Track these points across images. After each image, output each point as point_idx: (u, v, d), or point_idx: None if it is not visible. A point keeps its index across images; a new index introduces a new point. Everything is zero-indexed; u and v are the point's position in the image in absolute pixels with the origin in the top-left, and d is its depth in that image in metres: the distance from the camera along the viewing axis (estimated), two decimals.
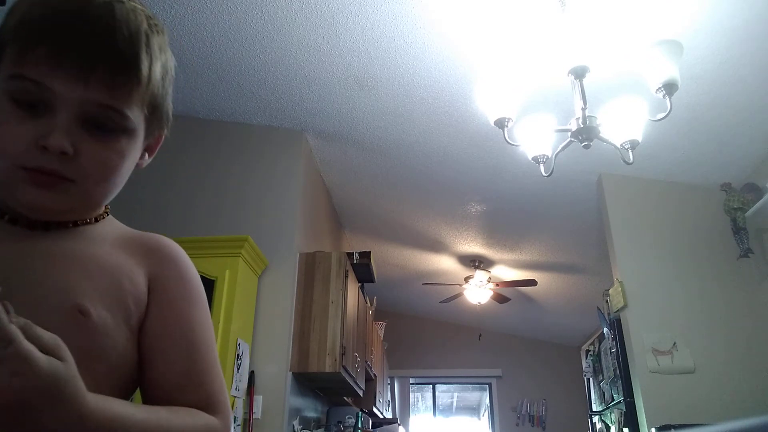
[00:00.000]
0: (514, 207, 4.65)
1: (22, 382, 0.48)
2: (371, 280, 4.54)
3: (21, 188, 0.62)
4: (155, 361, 0.68)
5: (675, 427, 3.05)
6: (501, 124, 2.35)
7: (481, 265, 5.90)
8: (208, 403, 0.68)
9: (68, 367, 0.52)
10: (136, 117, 0.65)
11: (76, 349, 0.55)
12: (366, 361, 4.69)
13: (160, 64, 0.66)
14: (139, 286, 0.69)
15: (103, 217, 0.74)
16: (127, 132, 0.65)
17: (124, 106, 0.63)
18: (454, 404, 8.53)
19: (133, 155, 0.68)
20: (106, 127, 0.63)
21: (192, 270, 0.76)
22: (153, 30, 0.66)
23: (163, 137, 0.76)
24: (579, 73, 2.28)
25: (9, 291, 0.54)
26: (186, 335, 0.71)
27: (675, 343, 3.42)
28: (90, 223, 0.71)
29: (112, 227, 0.75)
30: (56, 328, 0.54)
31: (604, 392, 4.61)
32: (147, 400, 0.69)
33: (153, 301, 0.70)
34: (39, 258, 0.64)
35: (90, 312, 0.62)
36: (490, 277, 5.99)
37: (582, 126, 2.31)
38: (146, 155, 0.74)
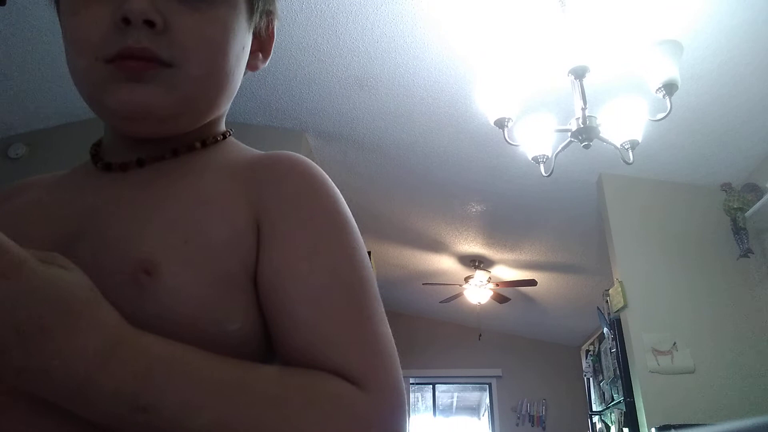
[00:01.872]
0: (514, 207, 4.65)
1: (11, 286, 0.36)
2: None
3: (108, 89, 0.49)
4: (276, 320, 0.48)
5: (675, 427, 3.05)
6: (501, 124, 2.35)
7: (481, 265, 5.90)
8: (353, 373, 0.46)
9: (80, 276, 0.41)
10: None
11: (142, 321, 0.42)
12: None
13: None
14: (237, 224, 0.50)
15: (216, 142, 0.58)
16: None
17: None
18: (454, 404, 8.53)
19: (241, 34, 0.55)
20: None
21: (322, 187, 0.55)
22: None
23: (275, 32, 0.64)
24: (579, 73, 2.28)
25: (72, 247, 0.46)
26: (312, 277, 0.49)
27: (675, 343, 3.42)
28: (196, 149, 0.56)
29: (227, 152, 0.58)
30: (114, 293, 0.43)
31: (604, 392, 4.61)
32: None
33: (263, 238, 0.50)
34: (110, 202, 0.51)
35: (158, 268, 0.45)
36: (490, 277, 5.99)
37: (582, 126, 2.31)
38: (260, 55, 0.63)
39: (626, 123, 2.34)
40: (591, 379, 5.11)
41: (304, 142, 3.93)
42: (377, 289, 0.54)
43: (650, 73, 2.16)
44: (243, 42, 0.56)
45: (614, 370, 4.10)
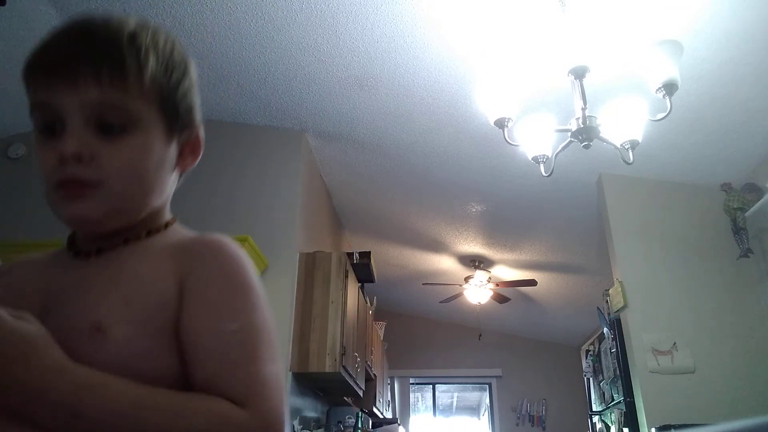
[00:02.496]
0: (514, 207, 4.65)
1: None
2: (371, 280, 4.55)
3: (59, 206, 0.66)
4: (189, 359, 0.66)
5: (675, 427, 3.05)
6: (501, 124, 2.35)
7: (481, 265, 5.90)
8: (238, 397, 0.63)
9: (38, 328, 0.59)
10: (141, 110, 0.67)
11: (99, 363, 0.60)
12: (366, 361, 4.69)
13: (156, 57, 0.68)
14: (166, 292, 0.67)
15: (159, 230, 0.74)
16: (137, 125, 0.67)
17: (121, 100, 0.65)
18: (454, 404, 8.53)
19: (158, 151, 0.69)
20: (115, 125, 0.65)
21: (230, 261, 0.70)
22: (143, 30, 0.68)
23: (201, 138, 0.77)
24: (579, 73, 2.28)
25: (44, 315, 0.63)
26: (213, 332, 0.66)
27: (675, 343, 3.42)
28: (141, 238, 0.72)
29: (168, 238, 0.74)
30: (76, 346, 0.61)
31: (604, 392, 4.61)
32: None
33: (183, 301, 0.67)
34: (74, 281, 0.68)
35: (107, 327, 0.62)
36: (490, 277, 5.99)
37: (582, 126, 2.31)
38: (189, 158, 0.76)
39: (626, 123, 2.34)
40: (591, 379, 5.11)
41: (304, 142, 3.93)
42: (271, 337, 0.70)
43: (650, 73, 2.16)
44: (162, 154, 0.70)
45: (614, 370, 4.10)
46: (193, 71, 0.75)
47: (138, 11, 2.89)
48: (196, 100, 0.76)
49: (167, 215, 0.77)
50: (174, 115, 0.71)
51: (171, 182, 0.75)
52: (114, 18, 0.67)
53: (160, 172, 0.70)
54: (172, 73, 0.70)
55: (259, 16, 2.86)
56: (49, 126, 0.65)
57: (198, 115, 0.76)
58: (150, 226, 0.73)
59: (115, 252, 0.71)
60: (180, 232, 0.76)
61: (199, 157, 0.78)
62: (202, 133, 0.77)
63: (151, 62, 0.67)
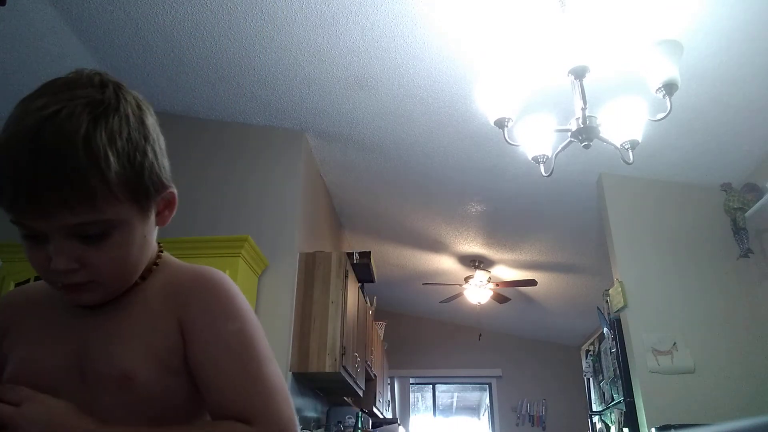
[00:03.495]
0: (514, 207, 4.65)
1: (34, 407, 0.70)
2: (371, 280, 4.54)
3: (62, 294, 0.73)
4: (201, 387, 0.76)
5: (675, 427, 3.05)
6: (501, 124, 2.35)
7: (481, 265, 5.90)
8: (245, 415, 0.72)
9: (65, 403, 0.71)
10: (117, 213, 0.69)
11: (128, 405, 0.72)
12: (366, 361, 4.69)
13: (116, 155, 0.65)
14: (171, 335, 0.76)
15: (150, 270, 0.81)
16: (116, 227, 0.70)
17: (94, 215, 0.66)
18: (454, 404, 8.53)
19: (139, 234, 0.74)
20: (94, 235, 0.69)
21: (221, 292, 0.79)
22: (96, 126, 0.65)
23: (174, 194, 0.78)
24: (579, 73, 2.28)
25: (78, 361, 0.74)
26: (219, 357, 0.75)
27: (675, 343, 3.42)
28: (138, 284, 0.79)
29: (161, 276, 0.81)
30: (110, 393, 0.72)
31: (604, 392, 4.61)
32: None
33: (187, 339, 0.76)
34: (94, 332, 0.76)
35: (134, 375, 0.72)
36: (490, 277, 5.99)
37: (582, 126, 2.31)
38: (166, 212, 0.79)
39: (626, 123, 2.34)
40: (591, 379, 5.11)
41: (304, 142, 3.92)
42: (269, 353, 0.78)
43: (650, 73, 2.16)
44: (143, 233, 0.75)
45: (614, 370, 4.10)
46: (153, 129, 0.73)
47: (138, 11, 2.89)
48: (164, 162, 0.75)
49: (155, 250, 0.83)
50: (146, 195, 0.72)
51: (154, 238, 0.81)
52: (62, 116, 0.63)
53: (143, 248, 0.76)
54: (135, 159, 0.68)
55: (259, 16, 2.86)
56: (33, 235, 0.69)
57: (168, 174, 0.76)
58: (143, 274, 0.80)
59: (118, 302, 0.78)
60: (170, 264, 0.83)
61: (176, 209, 0.80)
62: (174, 189, 0.78)
63: (113, 164, 0.65)
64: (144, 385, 0.72)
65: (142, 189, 0.70)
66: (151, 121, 0.74)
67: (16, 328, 0.80)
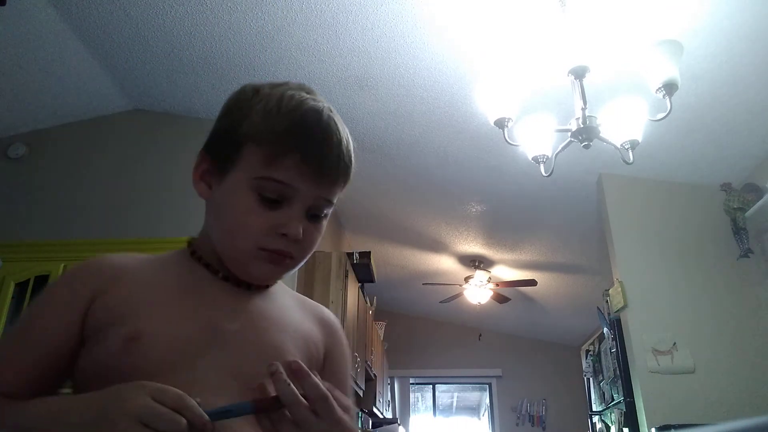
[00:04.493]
0: (514, 207, 4.65)
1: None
2: (371, 280, 4.55)
3: (256, 264, 0.74)
4: None
5: (675, 427, 3.05)
6: (501, 124, 2.35)
7: (481, 265, 5.90)
8: None
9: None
10: (335, 202, 0.79)
11: None
12: (366, 361, 4.69)
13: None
14: (320, 354, 0.82)
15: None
16: (328, 216, 0.79)
17: (335, 198, 0.78)
18: (454, 404, 8.53)
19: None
20: (319, 214, 0.77)
21: (347, 345, 0.90)
22: (345, 128, 0.80)
23: None
24: (579, 73, 2.28)
25: (242, 342, 0.72)
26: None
27: (675, 343, 3.42)
28: (272, 284, 0.83)
29: (284, 289, 0.88)
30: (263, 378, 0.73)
31: (604, 392, 4.61)
32: None
33: (323, 369, 0.81)
34: (256, 317, 0.77)
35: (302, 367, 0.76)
36: (490, 277, 5.99)
37: (582, 126, 2.31)
38: None
39: (626, 123, 2.34)
40: (591, 379, 5.11)
41: None
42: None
43: (650, 73, 2.16)
44: None
45: (614, 370, 4.10)
46: None
47: (138, 11, 2.89)
48: None
49: None
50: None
51: None
52: (338, 118, 0.79)
53: None
54: None
55: (259, 16, 2.86)
56: (274, 199, 0.73)
57: None
58: None
59: (261, 292, 0.80)
60: (284, 286, 0.90)
61: None
62: None
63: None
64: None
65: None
66: None
67: (126, 295, 0.73)
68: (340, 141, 0.76)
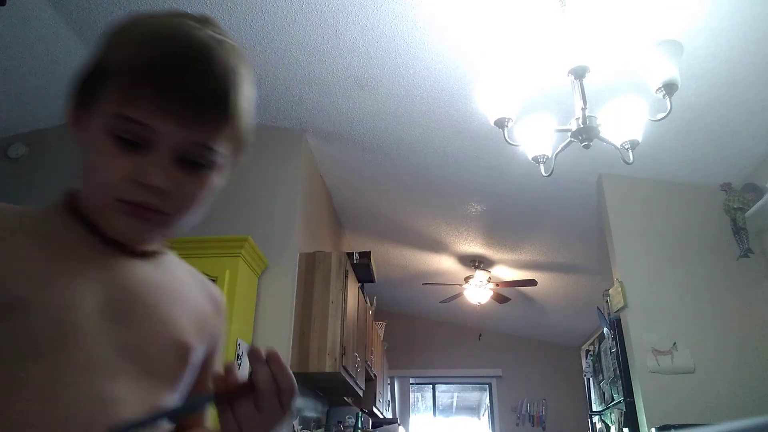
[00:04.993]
0: (514, 207, 4.65)
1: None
2: (371, 280, 4.54)
3: (118, 218, 0.64)
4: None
5: (675, 427, 3.05)
6: (501, 124, 2.35)
7: (481, 265, 5.90)
8: None
9: None
10: (225, 152, 0.67)
11: (180, 379, 0.68)
12: (366, 361, 4.69)
13: (247, 99, 0.68)
14: (209, 332, 0.76)
15: (169, 246, 0.78)
16: (216, 167, 0.67)
17: (216, 143, 0.65)
18: (454, 404, 8.53)
19: (217, 185, 0.70)
20: (198, 163, 0.65)
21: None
22: (240, 64, 0.67)
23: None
24: (579, 73, 2.28)
25: (129, 315, 0.64)
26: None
27: (675, 343, 3.42)
28: (163, 252, 0.75)
29: (176, 258, 0.80)
30: (172, 361, 0.67)
31: (604, 392, 4.61)
32: None
33: (212, 353, 0.78)
34: (146, 287, 0.68)
35: (194, 349, 0.70)
36: (490, 277, 5.99)
37: (582, 126, 2.31)
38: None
39: (626, 123, 2.34)
40: (591, 379, 5.11)
41: (304, 142, 3.92)
42: None
43: (650, 73, 2.16)
44: (219, 186, 0.71)
45: (614, 370, 4.10)
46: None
47: (139, 11, 2.88)
48: None
49: None
50: (242, 149, 0.72)
51: None
52: (230, 46, 0.66)
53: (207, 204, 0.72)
54: (251, 119, 0.70)
55: (259, 16, 2.86)
56: (132, 141, 0.62)
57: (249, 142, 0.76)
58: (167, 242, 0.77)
59: (151, 260, 0.72)
60: (175, 255, 0.81)
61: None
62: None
63: (245, 106, 0.67)
64: (194, 364, 0.71)
65: (245, 141, 0.70)
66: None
67: (11, 260, 0.61)
68: (218, 75, 0.63)
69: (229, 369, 0.63)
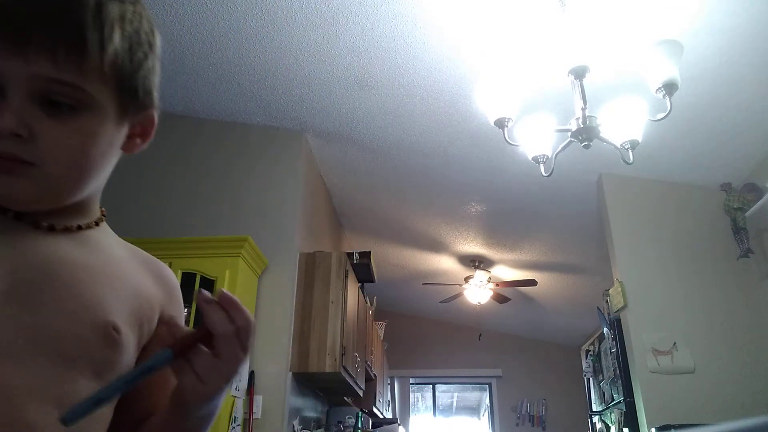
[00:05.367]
0: (514, 207, 4.65)
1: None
2: (371, 280, 4.54)
3: None
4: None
5: (675, 427, 3.05)
6: (501, 124, 2.35)
7: (481, 265, 5.90)
8: None
9: None
10: (98, 92, 0.59)
11: (107, 363, 0.62)
12: (366, 361, 4.69)
13: (121, 33, 0.60)
14: (154, 313, 0.71)
15: (102, 221, 0.72)
16: (90, 109, 0.59)
17: (77, 79, 0.57)
18: (454, 404, 8.53)
19: (107, 136, 0.62)
20: (63, 104, 0.58)
21: (183, 307, 0.80)
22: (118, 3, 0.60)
23: (155, 118, 0.70)
24: (579, 73, 2.28)
25: (40, 296, 0.58)
26: None
27: (675, 343, 3.42)
28: (92, 227, 0.69)
29: (111, 234, 0.74)
30: (92, 344, 0.60)
31: (604, 392, 4.61)
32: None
33: (157, 330, 0.72)
34: (63, 265, 0.62)
35: (121, 330, 0.63)
36: (490, 277, 5.99)
37: (582, 126, 2.31)
38: (138, 140, 0.70)
39: (626, 123, 2.34)
40: (591, 379, 5.10)
41: (304, 142, 3.92)
42: None
43: (650, 73, 2.16)
44: (110, 139, 0.63)
45: (614, 370, 4.10)
46: (159, 47, 0.68)
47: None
48: (156, 80, 0.69)
49: (98, 204, 0.74)
50: (131, 97, 0.64)
51: (115, 161, 0.69)
52: None
53: (104, 157, 0.64)
54: (136, 52, 0.62)
55: (259, 16, 2.86)
56: None
57: (156, 97, 0.69)
58: (86, 213, 0.69)
59: (73, 236, 0.66)
60: (110, 229, 0.76)
61: (149, 141, 0.71)
62: (156, 115, 0.71)
63: (116, 40, 0.59)
64: (124, 347, 0.64)
65: (131, 85, 0.63)
66: (159, 44, 0.68)
67: None
68: (64, 3, 0.56)
69: (170, 322, 0.59)
